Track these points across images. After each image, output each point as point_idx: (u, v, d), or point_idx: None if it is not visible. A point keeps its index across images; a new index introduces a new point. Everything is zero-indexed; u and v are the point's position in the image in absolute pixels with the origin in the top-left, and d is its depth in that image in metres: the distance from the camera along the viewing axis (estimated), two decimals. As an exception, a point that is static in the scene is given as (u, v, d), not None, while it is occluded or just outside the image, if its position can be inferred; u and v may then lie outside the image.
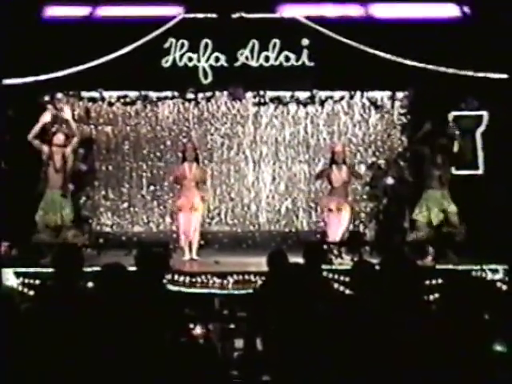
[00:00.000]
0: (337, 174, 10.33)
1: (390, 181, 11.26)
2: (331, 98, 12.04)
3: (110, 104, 12.06)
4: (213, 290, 8.94)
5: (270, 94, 12.00)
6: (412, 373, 4.25)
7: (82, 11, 11.15)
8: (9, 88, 10.79)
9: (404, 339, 4.41)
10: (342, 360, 4.68)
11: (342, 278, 8.58)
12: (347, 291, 8.07)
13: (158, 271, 5.85)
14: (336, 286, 8.31)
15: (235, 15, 11.13)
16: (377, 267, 5.25)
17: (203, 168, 11.01)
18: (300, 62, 11.42)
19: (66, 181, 10.26)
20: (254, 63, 11.44)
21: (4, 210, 10.01)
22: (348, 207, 10.37)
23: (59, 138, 10.17)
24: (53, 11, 11.15)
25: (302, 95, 11.99)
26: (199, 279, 9.09)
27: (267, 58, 11.44)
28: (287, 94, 12.01)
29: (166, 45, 11.36)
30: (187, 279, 9.04)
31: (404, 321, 4.47)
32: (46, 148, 10.05)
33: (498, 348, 5.61)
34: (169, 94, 11.96)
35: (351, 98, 12.05)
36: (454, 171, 10.30)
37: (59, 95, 11.77)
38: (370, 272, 5.56)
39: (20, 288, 8.77)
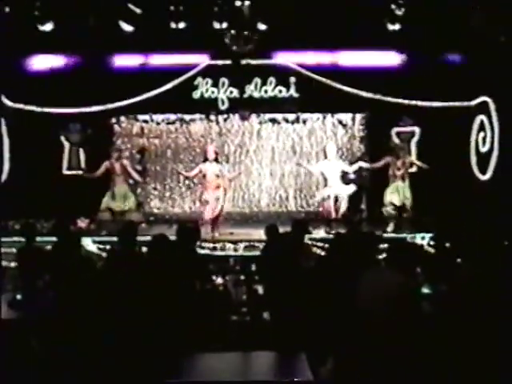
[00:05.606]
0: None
1: (352, 175, 11.21)
2: (311, 118, 12.06)
3: (157, 123, 12.09)
4: (229, 253, 8.99)
5: (268, 116, 12.01)
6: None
7: (137, 60, 11.27)
8: (88, 114, 11.04)
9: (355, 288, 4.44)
10: (315, 300, 4.75)
11: (318, 243, 8.61)
12: (322, 253, 8.14)
13: (191, 240, 5.91)
14: (314, 249, 8.33)
15: (244, 61, 11.18)
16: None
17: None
18: (289, 94, 11.49)
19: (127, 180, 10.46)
20: (256, 94, 11.50)
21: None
22: None
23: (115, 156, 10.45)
24: (119, 60, 11.28)
25: (290, 117, 12.00)
26: (219, 245, 9.14)
27: (266, 91, 11.50)
28: (280, 116, 12.03)
29: (196, 82, 11.43)
30: (211, 245, 9.09)
31: (358, 273, 4.52)
32: (107, 163, 10.28)
33: (425, 290, 5.66)
34: (198, 116, 11.99)
35: (324, 118, 12.07)
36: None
37: (122, 118, 11.91)
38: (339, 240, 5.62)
39: (97, 251, 8.83)
